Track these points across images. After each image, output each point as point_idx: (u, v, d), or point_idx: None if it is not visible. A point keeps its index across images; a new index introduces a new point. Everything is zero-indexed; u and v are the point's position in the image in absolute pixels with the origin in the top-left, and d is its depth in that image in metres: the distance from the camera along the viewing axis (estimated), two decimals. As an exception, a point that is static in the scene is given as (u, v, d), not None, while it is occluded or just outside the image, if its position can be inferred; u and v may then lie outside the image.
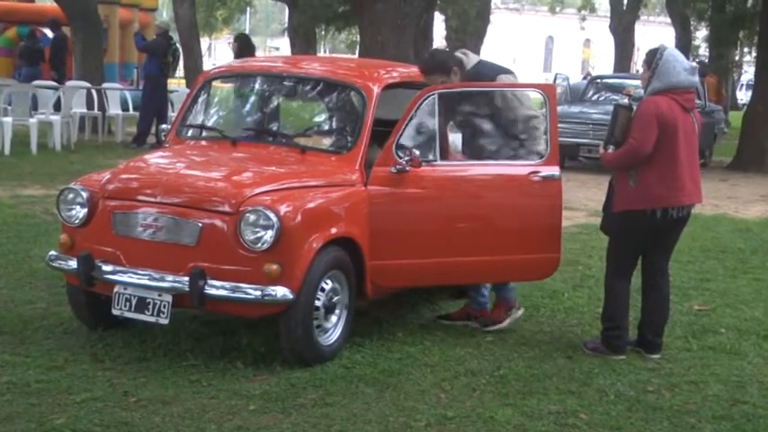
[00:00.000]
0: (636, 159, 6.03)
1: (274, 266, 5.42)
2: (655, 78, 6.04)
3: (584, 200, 12.68)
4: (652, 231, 6.20)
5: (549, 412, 5.17)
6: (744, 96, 41.39)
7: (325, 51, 57.26)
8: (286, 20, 36.51)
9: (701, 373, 5.96)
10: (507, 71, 6.78)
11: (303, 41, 29.40)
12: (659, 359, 6.20)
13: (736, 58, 39.47)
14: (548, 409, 5.22)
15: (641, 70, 6.28)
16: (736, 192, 15.98)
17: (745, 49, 37.62)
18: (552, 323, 7.01)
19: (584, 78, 29.56)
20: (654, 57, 6.06)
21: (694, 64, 6.56)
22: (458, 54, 6.82)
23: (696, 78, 6.13)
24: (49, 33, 21.87)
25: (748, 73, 42.56)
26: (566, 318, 7.17)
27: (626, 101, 6.30)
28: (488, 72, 6.71)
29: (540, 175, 6.44)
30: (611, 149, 6.21)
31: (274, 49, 66.86)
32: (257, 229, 5.44)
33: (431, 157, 6.34)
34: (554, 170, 6.49)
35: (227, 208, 5.52)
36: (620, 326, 6.25)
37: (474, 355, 6.10)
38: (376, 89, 6.41)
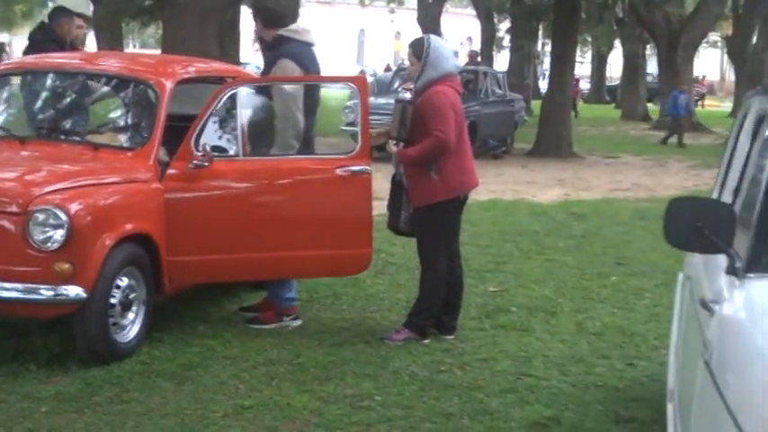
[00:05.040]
0: (441, 151, 6.17)
1: (66, 266, 5.36)
2: (428, 68, 6.22)
3: (388, 190, 12.91)
4: (457, 217, 6.45)
5: (345, 396, 5.32)
6: (545, 85, 42.98)
7: (134, 47, 56.09)
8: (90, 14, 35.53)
9: (492, 351, 6.24)
10: (287, 54, 6.68)
11: (109, 37, 28.74)
12: (453, 340, 6.44)
13: (539, 48, 40.97)
14: (344, 393, 5.37)
15: (408, 63, 6.43)
16: (534, 177, 16.64)
17: (547, 40, 39.08)
18: (353, 310, 7.18)
19: (387, 71, 29.97)
20: (423, 47, 6.26)
21: (455, 50, 6.80)
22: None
23: (459, 63, 6.34)
24: None
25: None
26: (366, 304, 7.34)
27: (408, 95, 6.46)
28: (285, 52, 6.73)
29: (348, 169, 6.37)
30: (401, 146, 6.34)
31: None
32: (47, 229, 5.36)
33: (232, 152, 6.38)
34: (363, 165, 6.39)
35: (14, 208, 5.42)
36: (435, 313, 6.44)
37: (274, 344, 6.19)
38: (169, 84, 6.40)
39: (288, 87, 6.53)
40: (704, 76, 53.74)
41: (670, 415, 4.06)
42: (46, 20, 9.08)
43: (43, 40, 8.42)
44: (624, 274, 8.66)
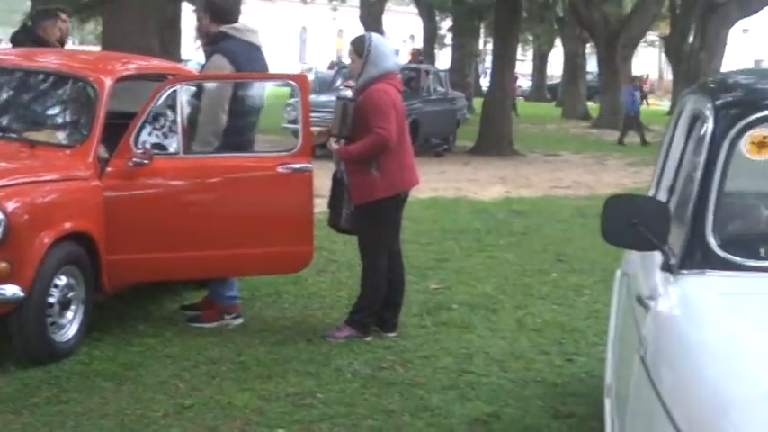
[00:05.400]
0: (382, 149, 6.20)
1: (3, 264, 5.29)
2: (369, 66, 6.25)
3: (329, 188, 12.92)
4: (398, 215, 6.48)
5: (286, 394, 5.32)
6: (487, 83, 43.21)
7: (73, 43, 55.35)
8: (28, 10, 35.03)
9: (433, 348, 6.27)
10: (222, 51, 6.63)
11: (47, 33, 28.35)
12: (395, 337, 6.47)
13: (480, 46, 41.19)
14: (285, 391, 5.37)
15: (348, 60, 6.47)
16: (476, 175, 16.75)
17: (488, 39, 39.30)
18: (295, 308, 7.17)
19: (330, 68, 29.97)
20: (364, 45, 6.28)
21: (396, 48, 6.83)
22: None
23: (400, 61, 6.39)
24: None
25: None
26: (308, 302, 7.35)
27: (349, 93, 6.48)
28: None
29: (289, 167, 6.36)
30: (342, 143, 6.35)
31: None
32: (-18, 227, 5.29)
33: (173, 149, 6.34)
34: (304, 162, 6.38)
35: (-50, 206, 5.34)
36: (376, 311, 6.46)
37: (215, 343, 6.17)
38: (108, 81, 6.35)
39: (214, 84, 6.51)
40: (648, 75, 54.31)
41: (608, 410, 4.12)
42: (29, 22, 8.98)
43: (25, 40, 8.33)
44: (564, 270, 8.76)
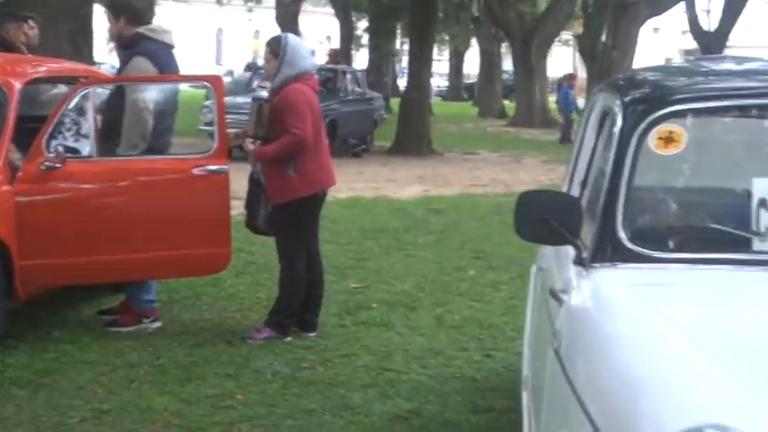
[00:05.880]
0: (299, 149, 6.20)
1: None
2: (285, 66, 6.25)
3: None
4: (316, 215, 6.48)
5: (206, 396, 5.29)
6: (405, 83, 43.36)
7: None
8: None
9: (353, 347, 6.29)
10: (143, 53, 6.57)
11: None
12: (315, 337, 6.48)
13: (397, 47, 41.32)
14: (205, 393, 5.34)
15: (263, 61, 6.47)
16: (394, 174, 16.81)
17: (405, 39, 39.46)
18: (213, 310, 7.14)
19: (247, 70, 29.82)
20: (280, 45, 6.29)
21: (313, 49, 6.85)
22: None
23: (316, 62, 6.42)
24: None
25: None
26: (227, 304, 7.31)
27: (264, 94, 6.48)
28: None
29: (205, 168, 6.32)
30: (258, 144, 6.34)
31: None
32: None
33: (86, 153, 6.26)
34: (220, 164, 6.34)
35: None
36: (296, 311, 6.45)
37: (133, 347, 6.11)
38: (18, 85, 6.24)
39: (138, 86, 6.45)
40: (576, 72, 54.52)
41: (525, 403, 4.19)
42: None
43: None
44: (482, 267, 8.85)
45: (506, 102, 38.96)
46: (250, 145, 6.39)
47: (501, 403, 5.28)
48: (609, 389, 2.48)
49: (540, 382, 3.35)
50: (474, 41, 44.97)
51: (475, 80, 48.36)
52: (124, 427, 4.83)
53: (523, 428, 3.99)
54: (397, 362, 5.99)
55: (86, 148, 6.29)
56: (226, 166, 6.41)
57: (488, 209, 12.68)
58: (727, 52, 25.96)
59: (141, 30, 6.68)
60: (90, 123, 6.22)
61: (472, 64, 54.05)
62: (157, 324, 6.59)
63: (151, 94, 6.45)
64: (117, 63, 7.20)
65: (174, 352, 6.04)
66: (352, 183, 14.21)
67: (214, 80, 6.68)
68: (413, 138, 20.65)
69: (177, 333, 6.47)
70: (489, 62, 38.99)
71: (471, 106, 42.92)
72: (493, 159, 20.64)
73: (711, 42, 29.08)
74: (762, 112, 3.35)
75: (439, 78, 49.21)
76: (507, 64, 43.56)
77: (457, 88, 52.15)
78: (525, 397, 4.23)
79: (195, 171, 6.34)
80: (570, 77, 27.86)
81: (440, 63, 51.90)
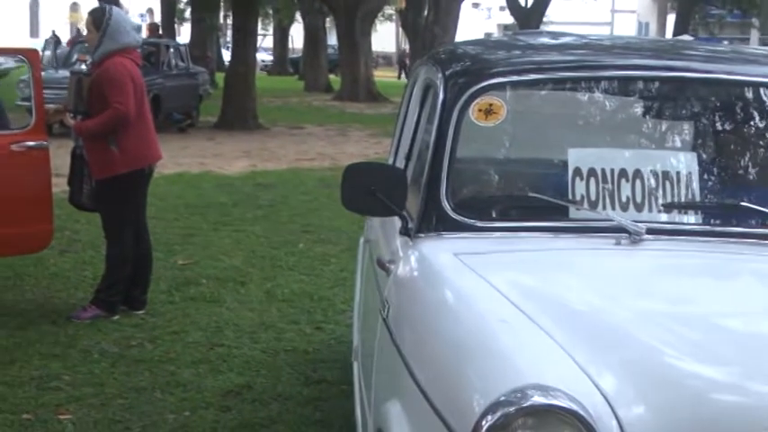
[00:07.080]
0: (121, 124, 6.09)
1: None
2: (107, 39, 6.13)
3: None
4: (141, 190, 6.37)
5: (31, 378, 5.18)
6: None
7: None
8: None
9: (183, 323, 6.26)
10: None
11: None
12: (143, 314, 6.40)
13: (221, 21, 40.80)
14: (30, 375, 5.22)
15: (85, 32, 6.32)
16: (221, 149, 16.65)
17: (229, 13, 38.97)
18: (37, 290, 6.96)
19: (71, 44, 28.88)
20: (103, 17, 6.16)
21: (137, 24, 6.72)
22: None
23: (140, 37, 6.33)
24: None
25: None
26: (51, 284, 7.14)
27: (84, 67, 6.34)
28: None
29: (24, 144, 6.19)
30: (79, 119, 6.21)
31: None
32: None
33: None
34: (39, 140, 6.23)
35: None
36: (123, 289, 6.35)
37: (-49, 331, 5.91)
38: None
39: None
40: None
41: (356, 373, 4.26)
42: None
43: None
44: (311, 241, 8.90)
45: (332, 76, 39.04)
46: (71, 120, 6.26)
47: (333, 374, 5.36)
48: (435, 355, 2.57)
49: (371, 351, 3.42)
50: (299, 16, 44.80)
51: (300, 55, 48.27)
52: (-56, 414, 4.67)
53: (355, 398, 4.07)
54: (228, 337, 5.99)
55: None
56: (45, 142, 6.28)
57: (316, 183, 12.74)
58: (543, 28, 26.78)
59: None
60: None
61: (297, 38, 53.94)
62: None
63: None
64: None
65: (-4, 334, 5.87)
66: (177, 158, 14.02)
67: (30, 54, 6.49)
68: (239, 112, 20.48)
69: (-2, 315, 6.28)
70: (314, 37, 38.94)
71: (297, 81, 42.82)
72: (319, 133, 20.67)
73: (529, 18, 29.90)
74: (575, 84, 3.50)
75: (264, 53, 48.80)
76: (333, 39, 43.67)
77: (282, 63, 51.85)
78: (356, 367, 4.31)
79: (14, 147, 6.18)
80: None
81: (265, 38, 51.51)
